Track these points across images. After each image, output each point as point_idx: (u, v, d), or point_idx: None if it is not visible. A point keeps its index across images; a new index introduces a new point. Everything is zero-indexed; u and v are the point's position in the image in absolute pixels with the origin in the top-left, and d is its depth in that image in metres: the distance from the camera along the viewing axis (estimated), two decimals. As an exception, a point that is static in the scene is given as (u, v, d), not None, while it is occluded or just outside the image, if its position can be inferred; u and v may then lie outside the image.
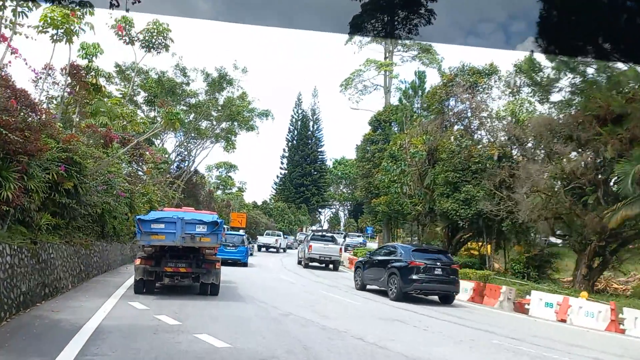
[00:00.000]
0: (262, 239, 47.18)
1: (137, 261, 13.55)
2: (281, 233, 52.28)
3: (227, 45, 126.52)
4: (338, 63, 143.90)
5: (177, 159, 44.59)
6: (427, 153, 23.10)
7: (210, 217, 13.71)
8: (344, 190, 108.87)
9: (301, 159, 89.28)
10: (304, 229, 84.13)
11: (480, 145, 21.99)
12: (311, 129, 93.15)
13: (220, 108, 41.46)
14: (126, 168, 23.76)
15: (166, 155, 32.89)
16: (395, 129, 35.44)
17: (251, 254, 36.48)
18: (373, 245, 57.79)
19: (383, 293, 17.77)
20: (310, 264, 27.98)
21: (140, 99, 39.83)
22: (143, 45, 23.67)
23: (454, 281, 16.72)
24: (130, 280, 15.58)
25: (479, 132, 22.60)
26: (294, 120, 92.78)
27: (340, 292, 18.50)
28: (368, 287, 19.20)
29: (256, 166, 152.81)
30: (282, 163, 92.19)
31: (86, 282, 15.98)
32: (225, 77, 38.88)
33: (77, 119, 18.85)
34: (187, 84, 38.56)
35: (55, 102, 17.43)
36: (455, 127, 23.50)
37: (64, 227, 16.07)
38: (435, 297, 17.49)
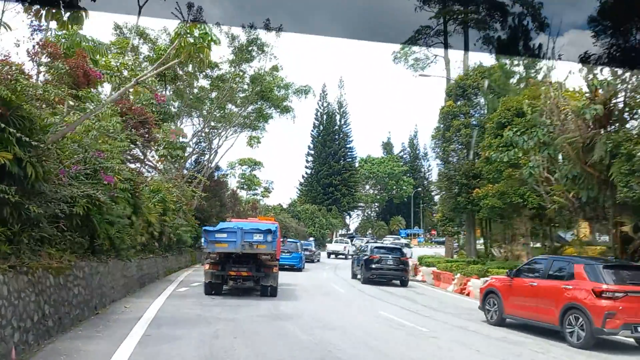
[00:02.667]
0: (330, 247, 49.55)
1: (206, 266, 15.16)
2: (349, 240, 53.19)
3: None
4: (362, 53, 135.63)
5: (195, 150, 36.16)
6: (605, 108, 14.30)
7: (266, 225, 15.27)
8: (370, 191, 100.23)
9: (328, 157, 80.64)
10: (335, 234, 75.54)
11: None
12: (338, 123, 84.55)
13: (248, 84, 33.05)
14: (126, 147, 15.41)
15: (184, 139, 24.79)
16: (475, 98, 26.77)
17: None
18: (426, 250, 48.33)
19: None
20: None
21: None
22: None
23: (402, 269, 22.50)
24: (131, 342, 8.64)
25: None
26: (319, 114, 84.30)
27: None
28: (358, 276, 24.05)
29: (278, 165, 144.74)
30: (307, 161, 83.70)
31: (51, 343, 7.82)
32: (255, 41, 30.38)
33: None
34: (208, 47, 29.97)
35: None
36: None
37: (12, 240, 8.28)
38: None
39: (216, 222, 39.21)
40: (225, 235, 14.35)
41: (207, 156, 37.05)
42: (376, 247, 24.03)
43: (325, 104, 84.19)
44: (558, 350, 10.29)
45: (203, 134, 36.92)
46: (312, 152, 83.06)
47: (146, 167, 20.91)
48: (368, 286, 21.29)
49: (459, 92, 26.62)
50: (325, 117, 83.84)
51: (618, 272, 10.77)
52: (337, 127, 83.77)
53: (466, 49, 31.34)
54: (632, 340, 11.11)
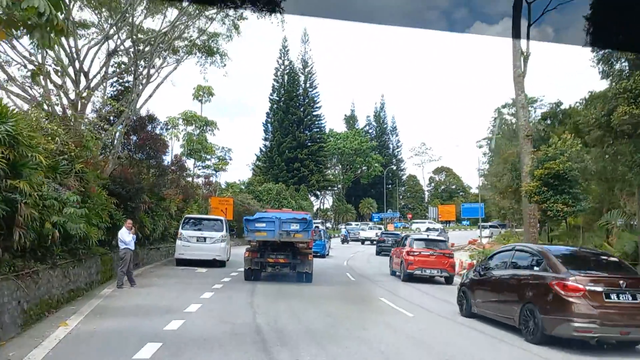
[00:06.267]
0: (363, 234, 50.38)
1: (246, 254, 16.09)
2: (381, 227, 54.69)
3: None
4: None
5: (113, 69, 20.76)
6: None
7: (302, 216, 16.37)
8: (332, 170, 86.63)
9: (292, 125, 65.96)
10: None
11: None
12: (302, 85, 69.78)
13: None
14: None
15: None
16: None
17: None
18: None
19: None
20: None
21: None
22: None
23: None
24: None
25: None
26: (279, 73, 69.02)
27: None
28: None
29: (228, 134, 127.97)
30: (265, 131, 68.43)
31: None
32: None
33: None
34: None
35: None
36: None
37: None
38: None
39: (150, 199, 24.31)
40: (264, 224, 15.23)
41: (132, 92, 21.63)
42: (383, 233, 38.80)
43: (286, 62, 69.05)
44: (394, 283, 18.28)
45: (123, 53, 21.60)
46: (272, 120, 67.98)
47: None
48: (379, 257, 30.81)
49: None
50: (286, 77, 68.78)
51: (422, 242, 19.52)
52: (301, 91, 69.06)
53: None
54: (442, 279, 18.71)
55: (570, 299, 8.29)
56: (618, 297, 8.35)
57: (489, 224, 62.23)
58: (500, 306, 10.04)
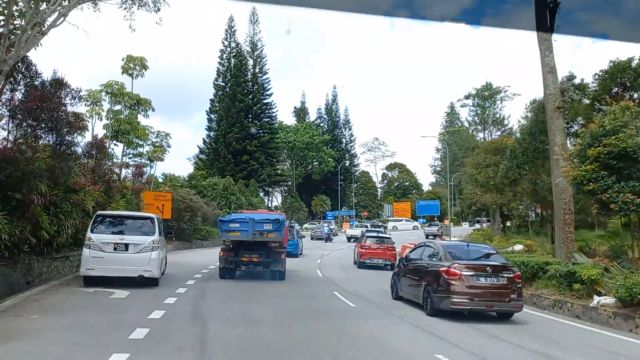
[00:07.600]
0: (349, 232, 52.04)
1: (221, 253, 16.54)
2: (368, 224, 54.22)
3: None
4: None
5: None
6: None
7: (275, 216, 16.89)
8: (280, 166, 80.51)
9: (240, 114, 59.15)
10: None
11: None
12: (251, 70, 63.04)
13: None
14: None
15: None
16: None
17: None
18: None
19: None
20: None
21: None
22: None
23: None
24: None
25: None
26: (224, 56, 61.91)
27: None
28: None
29: (164, 124, 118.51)
30: (209, 120, 61.14)
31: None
32: None
33: None
34: None
35: None
36: None
37: None
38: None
39: (53, 189, 17.55)
40: (238, 225, 15.76)
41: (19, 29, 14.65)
42: (367, 230, 35.36)
43: (233, 44, 62.05)
44: (351, 270, 22.34)
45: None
46: (217, 108, 60.84)
47: None
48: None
49: None
50: (233, 61, 61.78)
51: (372, 238, 24.85)
52: (250, 76, 62.31)
53: None
54: (389, 267, 22.24)
55: (451, 281, 10.91)
56: (485, 280, 11.01)
57: (484, 219, 62.45)
58: (413, 289, 12.57)
